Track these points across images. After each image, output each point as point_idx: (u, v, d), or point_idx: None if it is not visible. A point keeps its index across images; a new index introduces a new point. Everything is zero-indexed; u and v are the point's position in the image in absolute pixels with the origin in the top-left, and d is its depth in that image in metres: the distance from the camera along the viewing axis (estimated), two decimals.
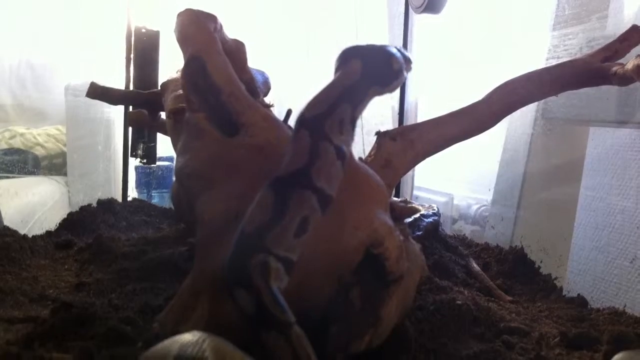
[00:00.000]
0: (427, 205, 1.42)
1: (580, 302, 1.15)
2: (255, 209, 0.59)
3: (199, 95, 0.84)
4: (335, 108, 0.62)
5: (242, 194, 0.72)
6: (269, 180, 0.60)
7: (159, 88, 1.40)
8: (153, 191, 2.26)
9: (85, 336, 0.73)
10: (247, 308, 0.55)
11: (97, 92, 1.51)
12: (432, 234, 1.31)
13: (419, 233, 1.26)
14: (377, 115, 2.15)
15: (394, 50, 0.68)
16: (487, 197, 1.74)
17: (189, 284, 0.71)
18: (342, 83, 0.64)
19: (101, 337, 0.71)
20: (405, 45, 1.94)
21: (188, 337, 0.55)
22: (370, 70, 0.65)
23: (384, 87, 0.67)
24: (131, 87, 1.83)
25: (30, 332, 0.74)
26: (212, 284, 0.66)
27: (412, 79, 2.00)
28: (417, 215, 1.32)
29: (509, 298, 1.14)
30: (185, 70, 0.86)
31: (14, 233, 1.28)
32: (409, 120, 1.97)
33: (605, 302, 1.15)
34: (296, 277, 0.59)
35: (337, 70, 0.66)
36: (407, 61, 0.70)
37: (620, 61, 1.02)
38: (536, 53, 1.49)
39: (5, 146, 2.47)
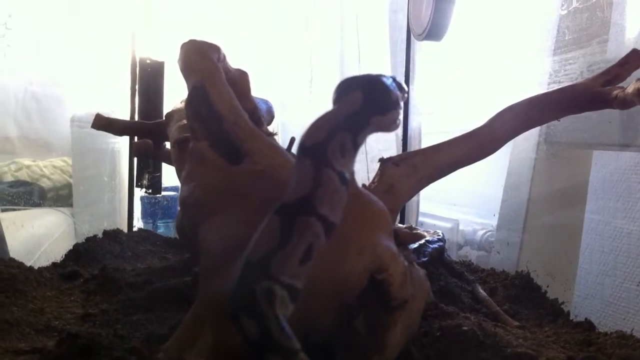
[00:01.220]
0: (432, 231, 1.42)
1: (587, 326, 1.14)
2: (260, 235, 0.59)
3: (202, 124, 0.85)
4: (335, 134, 0.62)
5: (246, 221, 0.72)
6: (274, 207, 0.60)
7: (164, 118, 1.41)
8: (158, 221, 2.27)
9: None
10: (251, 334, 0.55)
11: (103, 123, 1.52)
12: (438, 260, 1.31)
13: (424, 259, 1.26)
14: (381, 141, 2.16)
15: (390, 81, 0.69)
16: (493, 222, 1.74)
17: (194, 313, 0.72)
18: (342, 111, 0.64)
19: None
20: (407, 71, 1.96)
21: None
22: (370, 99, 0.65)
23: (384, 115, 0.67)
24: (136, 118, 1.84)
25: None
26: (216, 311, 0.66)
27: (414, 105, 2.01)
28: (422, 241, 1.32)
29: (516, 323, 1.13)
30: (189, 99, 0.87)
31: (20, 265, 1.29)
32: (413, 146, 1.98)
33: (613, 326, 1.14)
34: (300, 303, 0.59)
35: (335, 101, 0.67)
36: (402, 90, 0.71)
37: (621, 85, 1.03)
38: (537, 78, 1.49)
39: (11, 178, 2.48)
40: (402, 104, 0.69)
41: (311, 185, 0.60)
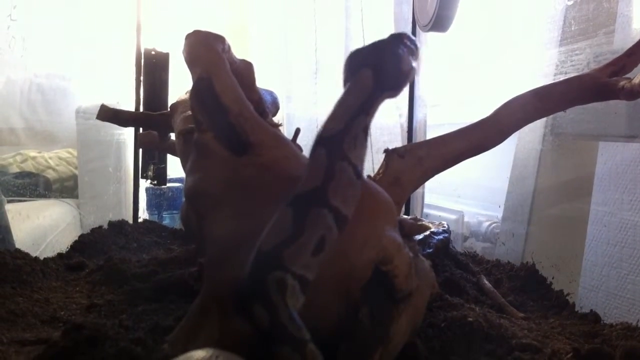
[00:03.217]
0: (437, 223, 1.42)
1: (592, 317, 1.14)
2: (273, 226, 0.59)
3: (207, 116, 0.85)
4: (352, 124, 0.62)
5: (250, 212, 0.72)
6: (288, 198, 0.60)
7: (169, 109, 1.41)
8: (164, 212, 2.27)
9: (96, 357, 0.73)
10: (262, 324, 0.54)
11: (108, 115, 1.52)
12: (443, 251, 1.31)
13: (429, 250, 1.26)
14: (386, 133, 2.16)
15: (401, 50, 0.67)
16: (498, 214, 1.74)
17: (199, 304, 0.72)
18: (357, 97, 0.64)
19: (112, 358, 0.71)
20: None
21: (201, 354, 0.55)
22: (382, 78, 0.64)
23: (397, 90, 0.67)
24: (141, 109, 1.84)
25: (42, 354, 0.74)
26: (221, 302, 0.67)
27: (420, 97, 2.00)
28: (427, 232, 1.32)
29: (521, 315, 1.13)
30: (194, 90, 0.87)
31: (25, 255, 1.29)
32: (418, 138, 1.98)
33: (618, 318, 1.14)
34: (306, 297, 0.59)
35: (345, 80, 0.66)
36: (416, 50, 0.69)
37: (627, 76, 1.02)
38: (543, 69, 1.49)
39: (17, 170, 2.49)
40: (415, 64, 0.68)
41: (323, 177, 0.60)
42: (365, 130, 0.64)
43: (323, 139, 0.62)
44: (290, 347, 0.54)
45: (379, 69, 0.65)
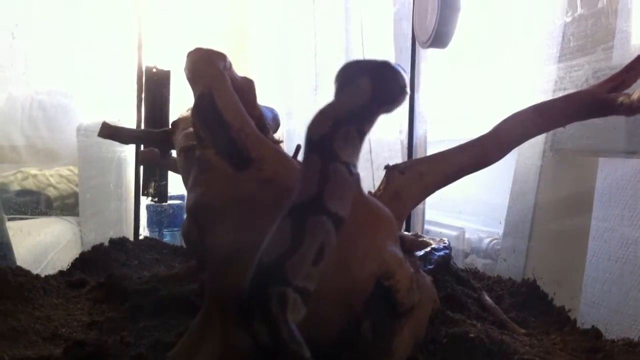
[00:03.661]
0: (438, 239, 1.42)
1: (594, 333, 1.13)
2: (272, 238, 0.58)
3: (209, 132, 0.85)
4: (342, 125, 0.62)
5: (252, 226, 0.72)
6: (285, 209, 0.60)
7: (170, 127, 1.41)
8: (164, 229, 2.27)
9: None
10: (262, 340, 0.54)
11: (109, 132, 1.52)
12: (444, 268, 1.31)
13: (430, 266, 1.26)
14: (387, 149, 2.16)
15: (399, 67, 0.67)
16: (499, 230, 1.74)
17: (200, 319, 0.72)
18: (352, 101, 0.63)
19: None
20: (412, 79, 1.96)
21: None
22: (381, 89, 0.64)
23: (394, 105, 0.66)
24: (142, 126, 1.84)
25: None
26: (222, 317, 0.67)
27: (420, 113, 2.01)
28: (428, 248, 1.32)
29: (523, 331, 1.13)
30: (196, 107, 0.87)
31: (27, 273, 1.29)
32: (418, 154, 1.98)
33: (620, 334, 1.14)
34: (308, 308, 0.59)
35: (339, 88, 0.65)
36: (406, 75, 0.69)
37: (626, 91, 1.03)
38: (542, 85, 1.50)
39: (18, 187, 2.50)
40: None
41: (319, 182, 0.59)
42: (361, 134, 0.63)
43: (313, 143, 0.62)
44: None
45: (378, 80, 0.64)
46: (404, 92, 0.66)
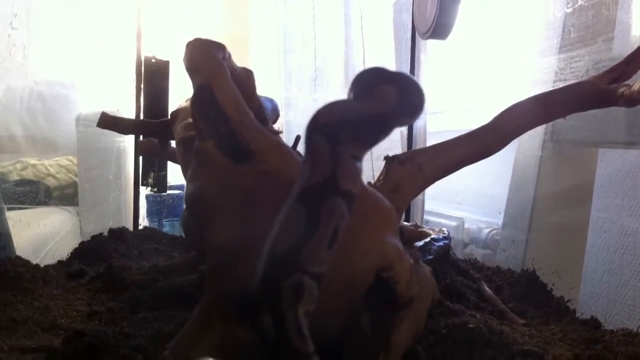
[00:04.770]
0: (437, 230, 1.42)
1: (593, 324, 1.13)
2: (284, 225, 0.57)
3: (208, 123, 0.85)
4: (356, 124, 0.60)
5: (251, 219, 0.72)
6: (294, 194, 0.58)
7: (169, 117, 1.41)
8: (164, 220, 2.27)
9: None
10: (268, 332, 0.54)
11: (108, 122, 1.52)
12: (443, 258, 1.31)
13: (430, 257, 1.25)
14: (386, 140, 2.16)
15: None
16: (498, 220, 1.74)
17: (200, 311, 0.72)
18: (374, 107, 0.62)
19: None
20: (412, 70, 1.95)
21: None
22: (405, 99, 0.63)
23: (414, 117, 0.65)
24: (141, 117, 1.84)
25: None
26: (222, 310, 0.67)
27: None
28: (428, 239, 1.31)
29: (522, 321, 1.13)
30: (195, 98, 0.87)
31: (26, 263, 1.29)
32: (418, 145, 1.98)
33: (619, 324, 1.14)
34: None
35: (360, 92, 0.64)
36: None
37: (627, 82, 1.02)
38: (543, 76, 1.49)
39: (17, 177, 2.49)
40: None
41: (331, 164, 0.58)
42: (373, 141, 0.62)
43: (319, 126, 0.60)
44: (292, 358, 0.53)
45: (404, 90, 0.63)
46: (423, 108, 0.65)
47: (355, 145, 0.60)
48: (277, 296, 0.53)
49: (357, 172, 0.61)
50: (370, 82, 0.64)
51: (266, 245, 0.56)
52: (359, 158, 0.61)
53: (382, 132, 0.63)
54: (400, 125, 0.66)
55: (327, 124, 0.60)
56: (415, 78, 0.65)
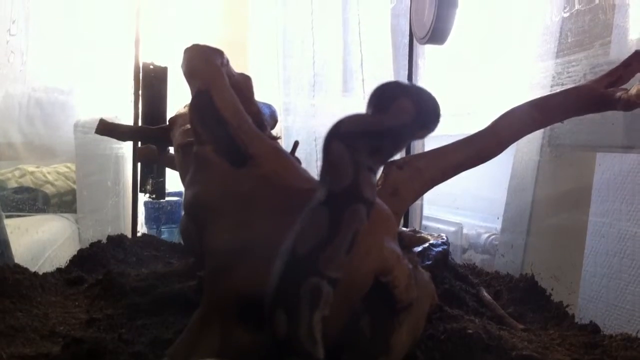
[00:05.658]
0: (436, 235, 1.42)
1: (592, 329, 1.14)
2: (306, 227, 0.58)
3: (206, 129, 0.85)
4: (373, 135, 0.61)
5: (250, 223, 0.72)
6: (318, 198, 0.59)
7: (167, 123, 1.41)
8: (162, 226, 2.27)
9: None
10: (280, 332, 0.54)
11: (106, 129, 1.52)
12: (442, 263, 1.31)
13: (429, 262, 1.25)
14: None
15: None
16: (497, 225, 1.74)
17: (199, 316, 0.72)
18: (392, 119, 0.63)
19: None
20: (410, 75, 1.96)
21: None
22: (422, 112, 0.64)
23: (430, 130, 0.66)
24: (140, 123, 1.84)
25: None
26: (221, 314, 0.67)
27: None
28: (427, 244, 1.31)
29: (521, 326, 1.13)
30: (194, 104, 0.87)
31: (24, 270, 1.29)
32: (416, 149, 1.98)
33: (618, 329, 1.14)
34: None
35: (378, 107, 0.64)
36: None
37: (624, 87, 1.03)
38: (540, 80, 1.49)
39: (15, 184, 2.49)
40: None
41: (353, 171, 0.59)
42: (390, 153, 0.63)
43: (339, 135, 0.60)
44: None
45: (421, 103, 0.64)
46: (439, 120, 0.66)
47: (371, 157, 0.61)
48: (294, 296, 0.54)
49: (374, 182, 0.62)
50: (387, 96, 0.65)
51: (285, 245, 0.57)
52: (373, 170, 0.62)
53: (398, 144, 0.64)
54: (417, 137, 0.67)
55: (347, 133, 0.61)
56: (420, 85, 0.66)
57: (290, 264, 0.56)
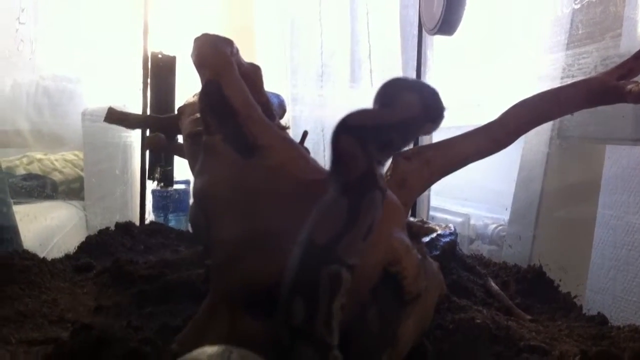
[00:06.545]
0: (443, 225, 1.42)
1: (600, 320, 1.14)
2: (324, 217, 0.59)
3: (216, 118, 0.85)
4: (381, 130, 0.62)
5: (258, 213, 0.72)
6: (336, 187, 0.60)
7: (176, 112, 1.41)
8: (170, 214, 2.27)
9: (105, 357, 0.74)
10: (295, 318, 0.54)
11: (115, 117, 1.52)
12: (450, 254, 1.31)
13: (437, 252, 1.25)
14: None
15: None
16: (504, 216, 1.74)
17: (207, 304, 0.72)
18: (398, 113, 0.64)
19: (121, 358, 0.71)
20: (419, 66, 1.95)
21: (215, 349, 0.55)
22: (428, 106, 0.65)
23: (436, 125, 0.67)
24: (148, 112, 1.84)
25: (50, 354, 0.74)
26: (229, 302, 0.67)
27: None
28: (434, 235, 1.31)
29: (529, 317, 1.13)
30: (203, 93, 0.87)
31: (33, 256, 1.29)
32: (425, 141, 1.97)
33: (626, 320, 1.14)
34: None
35: (385, 102, 0.65)
36: None
37: (635, 79, 1.02)
38: (551, 72, 1.49)
39: (23, 172, 2.50)
40: None
41: (367, 160, 0.60)
42: (397, 146, 0.64)
43: (349, 127, 0.61)
44: (314, 348, 0.54)
45: (426, 97, 0.66)
46: (444, 114, 0.67)
47: (379, 151, 0.61)
48: (313, 283, 0.54)
49: (382, 175, 0.63)
50: (394, 91, 0.66)
51: (304, 233, 0.58)
52: (381, 164, 0.63)
53: (406, 138, 0.66)
54: (424, 131, 0.68)
55: (357, 126, 0.62)
56: (425, 77, 0.68)
57: (310, 253, 0.57)
